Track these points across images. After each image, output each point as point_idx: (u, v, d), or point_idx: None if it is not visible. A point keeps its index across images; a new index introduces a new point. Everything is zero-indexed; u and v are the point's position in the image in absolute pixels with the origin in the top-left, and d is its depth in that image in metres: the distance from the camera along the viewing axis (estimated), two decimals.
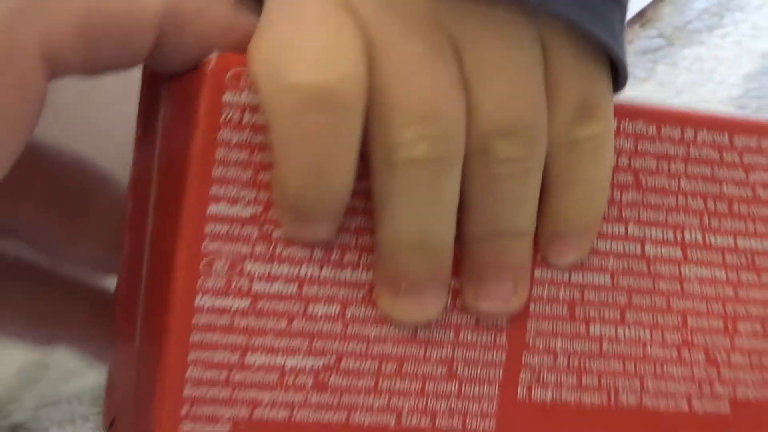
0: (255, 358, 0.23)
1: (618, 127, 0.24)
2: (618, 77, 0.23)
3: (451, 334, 0.24)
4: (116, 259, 0.26)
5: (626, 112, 0.24)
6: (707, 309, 0.25)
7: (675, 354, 0.25)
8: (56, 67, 0.20)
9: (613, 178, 0.24)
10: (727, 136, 0.25)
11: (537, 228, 0.24)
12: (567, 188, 0.23)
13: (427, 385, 0.24)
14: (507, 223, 0.23)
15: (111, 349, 0.26)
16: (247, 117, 0.22)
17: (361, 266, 0.23)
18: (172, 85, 0.23)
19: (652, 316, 0.25)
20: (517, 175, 0.22)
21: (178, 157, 0.22)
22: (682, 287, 0.25)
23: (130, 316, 0.24)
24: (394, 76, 0.21)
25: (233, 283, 0.22)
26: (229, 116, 0.22)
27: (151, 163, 0.24)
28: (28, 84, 0.20)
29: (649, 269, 0.25)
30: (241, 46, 0.22)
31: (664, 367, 0.25)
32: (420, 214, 0.22)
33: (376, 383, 0.23)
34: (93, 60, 0.21)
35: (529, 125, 0.22)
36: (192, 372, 0.22)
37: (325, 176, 0.21)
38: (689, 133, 0.25)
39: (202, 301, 0.22)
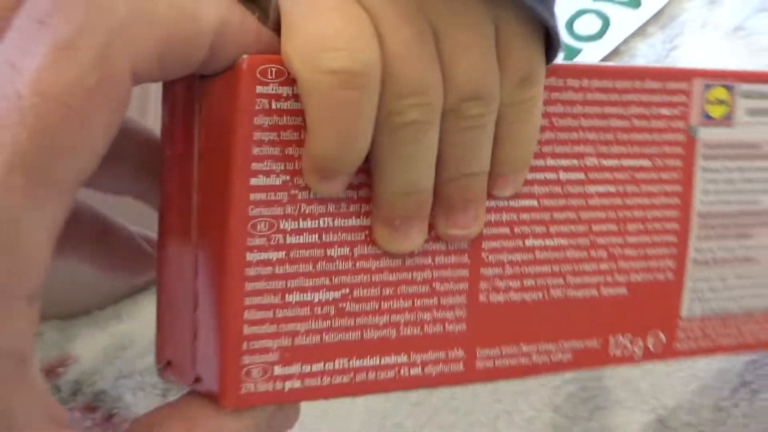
0: (292, 297, 0.27)
1: None
2: (552, 47, 0.29)
3: (429, 260, 0.29)
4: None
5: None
6: (605, 216, 0.31)
7: (586, 254, 0.31)
8: (138, 79, 0.24)
9: None
10: (610, 81, 0.31)
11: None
12: (510, 139, 0.29)
13: (415, 302, 0.29)
14: (470, 166, 0.28)
15: (159, 300, 0.29)
16: (274, 104, 0.26)
17: (362, 214, 0.28)
18: (208, 84, 0.26)
19: (567, 227, 0.31)
20: (478, 127, 0.28)
21: (221, 142, 0.26)
22: (586, 202, 0.31)
23: (184, 276, 0.28)
24: (394, 57, 0.26)
25: (272, 239, 0.26)
26: (261, 105, 0.26)
27: (185, 150, 0.27)
28: (122, 96, 0.24)
29: (563, 191, 0.30)
30: (263, 49, 0.26)
31: (579, 265, 0.31)
32: (409, 166, 0.27)
33: (380, 305, 0.28)
34: (162, 73, 0.25)
35: (489, 91, 0.27)
36: (248, 315, 0.26)
37: (353, 142, 0.26)
38: (585, 82, 0.30)
39: (251, 256, 0.26)
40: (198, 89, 0.27)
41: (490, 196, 0.29)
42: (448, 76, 0.27)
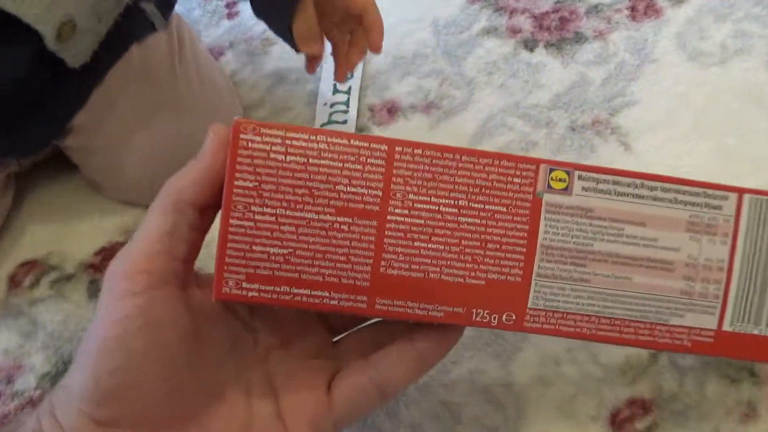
0: (257, 248, 0.47)
1: (422, 153, 0.49)
2: None
3: (348, 242, 0.47)
4: None
5: (426, 146, 0.48)
6: (471, 236, 0.47)
7: (456, 256, 0.47)
8: None
9: (422, 176, 0.48)
10: (476, 158, 0.48)
11: None
12: None
13: (336, 264, 0.47)
14: None
15: None
16: (250, 144, 0.46)
17: (304, 210, 0.47)
18: None
19: (444, 238, 0.47)
20: None
21: (226, 169, 0.47)
22: (458, 225, 0.47)
23: None
24: None
25: (245, 214, 0.46)
26: (242, 144, 0.46)
27: None
28: None
29: (442, 217, 0.47)
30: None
31: (451, 262, 0.47)
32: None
33: (312, 262, 0.47)
34: None
35: None
36: (228, 251, 0.46)
37: None
38: (457, 157, 0.48)
39: (233, 221, 0.46)
40: None
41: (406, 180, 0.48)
42: None
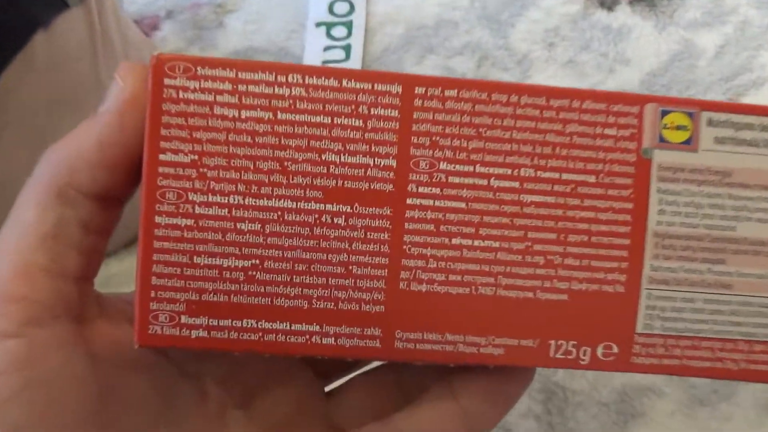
0: (200, 260, 0.29)
1: (457, 95, 0.30)
2: None
3: (346, 245, 0.30)
4: None
5: (464, 84, 0.31)
6: (543, 225, 0.31)
7: (520, 258, 0.31)
8: None
9: (459, 132, 0.30)
10: (544, 99, 0.31)
11: None
12: None
13: (329, 280, 0.30)
14: None
15: None
16: (182, 94, 0.29)
17: (273, 196, 0.30)
18: None
19: (499, 231, 0.31)
20: None
21: (144, 128, 0.30)
22: (522, 209, 0.31)
23: None
24: None
25: (181, 207, 0.29)
26: (168, 93, 0.29)
27: None
28: None
29: (494, 196, 0.31)
30: None
31: (512, 268, 0.31)
32: None
33: (291, 279, 0.30)
34: None
35: None
36: (156, 268, 0.29)
37: None
38: (514, 98, 0.31)
39: (159, 219, 0.29)
40: None
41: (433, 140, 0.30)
42: None
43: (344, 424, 0.35)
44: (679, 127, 0.31)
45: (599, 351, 0.31)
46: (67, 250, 0.30)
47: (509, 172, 0.31)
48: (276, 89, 0.29)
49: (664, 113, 0.31)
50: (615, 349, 0.32)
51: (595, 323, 0.31)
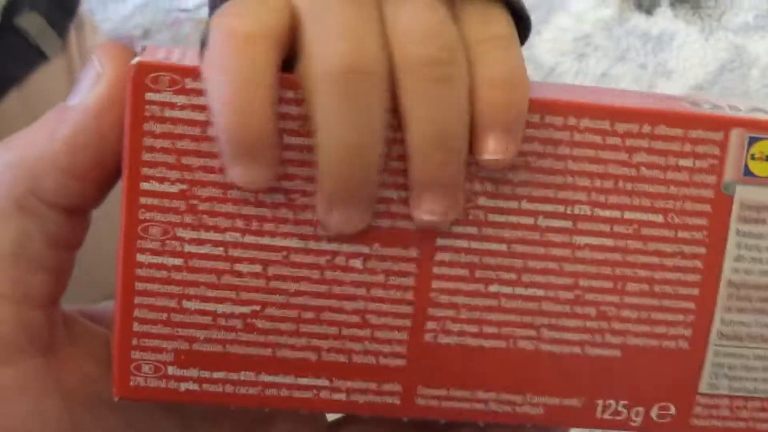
0: (191, 305, 0.25)
1: None
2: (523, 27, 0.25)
3: (363, 291, 0.25)
4: None
5: None
6: (597, 272, 0.26)
7: (568, 309, 0.26)
8: None
9: None
10: (608, 123, 0.25)
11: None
12: (486, 78, 0.24)
13: (342, 330, 0.26)
14: (440, 128, 0.24)
15: None
16: (168, 112, 0.24)
17: (278, 234, 0.25)
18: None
19: (545, 277, 0.26)
20: (441, 79, 0.23)
21: (123, 146, 0.24)
22: (573, 253, 0.26)
23: None
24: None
25: (167, 245, 0.24)
26: (151, 111, 0.24)
27: None
28: None
29: (541, 238, 0.26)
30: None
31: (558, 320, 0.26)
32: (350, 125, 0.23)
33: (297, 328, 0.25)
34: None
35: (440, 31, 0.23)
36: (138, 313, 0.25)
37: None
38: (572, 121, 0.25)
39: (142, 258, 0.25)
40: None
41: (443, 234, 0.25)
42: (388, 28, 0.23)
43: None
44: (767, 158, 0.26)
45: (653, 412, 0.27)
46: (31, 271, 0.26)
47: (561, 209, 0.26)
48: (283, 107, 0.24)
49: (753, 141, 0.26)
50: (672, 410, 0.27)
51: (650, 382, 0.27)
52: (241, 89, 0.23)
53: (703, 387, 0.27)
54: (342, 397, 0.26)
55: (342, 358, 0.26)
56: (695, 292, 0.26)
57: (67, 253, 0.27)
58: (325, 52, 0.23)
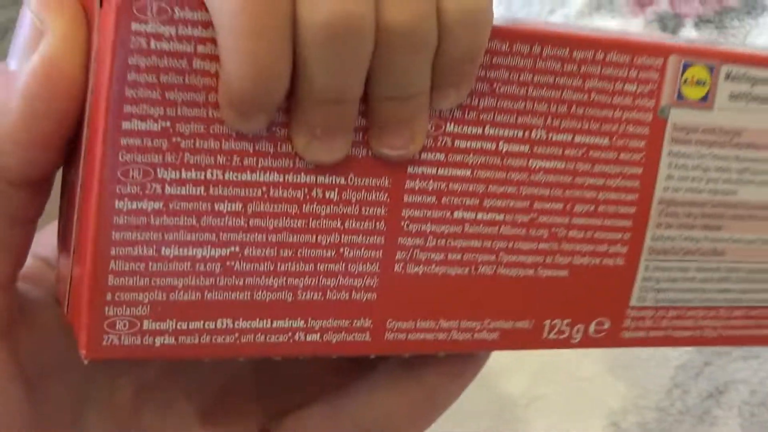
0: (169, 251, 0.23)
1: None
2: None
3: (338, 224, 0.24)
4: None
5: None
6: (550, 194, 0.26)
7: (524, 232, 0.26)
8: None
9: (471, 89, 0.25)
10: (567, 51, 0.26)
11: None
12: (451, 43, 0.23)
13: (318, 266, 0.24)
14: (403, 88, 0.23)
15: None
16: (154, 44, 0.21)
17: (259, 169, 0.23)
18: (101, 12, 0.22)
19: (505, 201, 0.26)
20: (414, 49, 0.23)
21: (98, 80, 0.22)
22: (529, 177, 0.26)
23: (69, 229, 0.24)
24: None
25: (148, 188, 0.22)
26: (137, 43, 0.21)
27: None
28: None
29: (502, 163, 0.26)
30: None
31: (515, 243, 0.26)
32: (337, 70, 0.22)
33: (275, 267, 0.24)
34: None
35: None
36: (114, 265, 0.22)
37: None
38: (536, 49, 0.25)
39: (121, 204, 0.22)
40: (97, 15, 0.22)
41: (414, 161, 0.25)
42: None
43: (283, 403, 0.30)
44: (698, 83, 0.27)
45: (591, 328, 0.28)
46: None
47: (520, 134, 0.26)
48: None
49: (686, 66, 0.27)
50: (607, 325, 0.28)
51: (590, 299, 0.28)
52: (262, 36, 0.21)
53: (633, 301, 0.28)
54: (316, 337, 0.25)
55: (317, 296, 0.25)
56: (632, 210, 0.27)
57: (29, 226, 0.24)
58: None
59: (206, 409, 0.30)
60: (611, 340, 0.28)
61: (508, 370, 0.51)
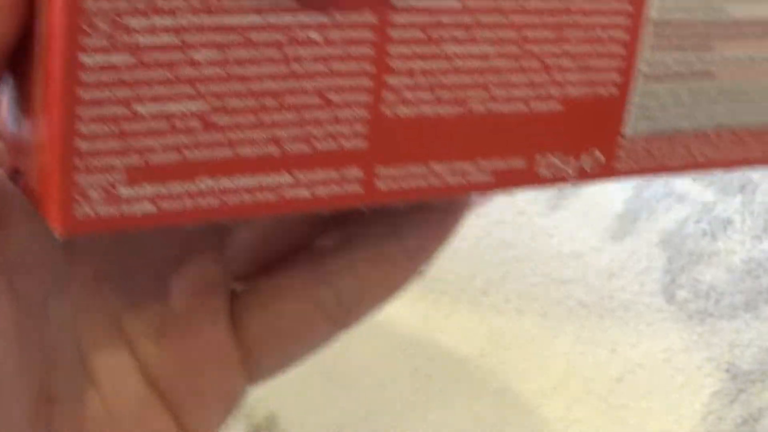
0: (144, 109, 0.20)
1: None
2: None
3: (323, 66, 0.22)
4: None
5: None
6: (540, 21, 0.24)
7: (515, 64, 0.24)
8: None
9: None
10: None
11: None
12: None
13: (304, 114, 0.22)
14: None
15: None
16: None
17: (235, 10, 0.21)
18: None
19: (495, 32, 0.24)
20: None
21: None
22: (519, 3, 0.24)
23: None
24: None
25: (116, 39, 0.20)
26: None
27: None
28: None
29: None
30: None
31: (507, 76, 0.25)
32: None
33: (258, 119, 0.22)
34: None
35: None
36: (83, 128, 0.20)
37: None
38: None
39: (87, 59, 0.20)
40: None
41: None
42: None
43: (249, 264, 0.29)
44: None
45: (584, 162, 0.26)
46: None
47: None
48: None
49: None
50: (599, 156, 0.27)
51: (583, 131, 0.26)
52: None
53: (627, 128, 0.27)
54: (305, 192, 0.23)
55: (305, 148, 0.23)
56: (624, 35, 0.26)
57: None
58: None
59: (166, 277, 0.28)
60: (605, 171, 0.27)
61: (545, 395, 0.52)
